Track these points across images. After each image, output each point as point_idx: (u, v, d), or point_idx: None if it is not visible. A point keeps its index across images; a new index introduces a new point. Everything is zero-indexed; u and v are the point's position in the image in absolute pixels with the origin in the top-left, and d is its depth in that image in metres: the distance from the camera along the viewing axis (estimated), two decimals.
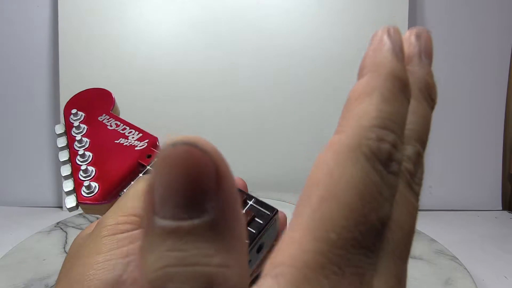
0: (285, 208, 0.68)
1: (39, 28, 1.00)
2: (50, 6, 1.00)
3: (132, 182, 0.28)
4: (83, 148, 0.32)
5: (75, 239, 0.24)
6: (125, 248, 0.21)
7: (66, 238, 0.71)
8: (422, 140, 0.15)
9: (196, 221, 0.11)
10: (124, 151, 0.31)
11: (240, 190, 0.26)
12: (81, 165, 0.31)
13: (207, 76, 0.99)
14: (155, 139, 0.32)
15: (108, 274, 0.20)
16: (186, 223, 0.11)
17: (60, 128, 0.35)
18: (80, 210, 0.30)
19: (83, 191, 0.29)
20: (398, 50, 0.14)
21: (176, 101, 0.99)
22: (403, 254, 0.13)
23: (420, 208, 0.14)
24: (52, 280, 0.55)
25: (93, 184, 0.29)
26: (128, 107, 0.98)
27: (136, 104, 0.97)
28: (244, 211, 0.25)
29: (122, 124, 0.34)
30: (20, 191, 1.04)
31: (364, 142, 0.12)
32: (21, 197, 1.03)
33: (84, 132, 0.34)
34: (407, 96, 0.14)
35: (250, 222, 0.25)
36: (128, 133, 0.33)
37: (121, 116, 0.36)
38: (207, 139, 0.11)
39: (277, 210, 0.26)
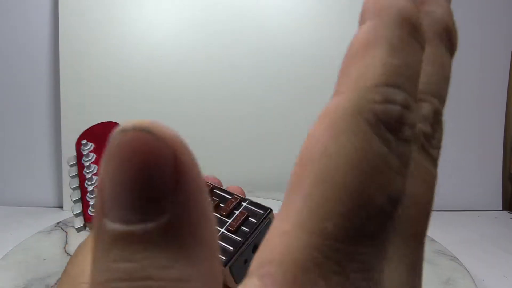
0: None
1: (40, 28, 1.00)
2: (50, 6, 1.00)
3: None
4: (91, 173, 0.35)
5: (81, 243, 0.24)
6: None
7: (67, 238, 0.71)
8: (440, 94, 0.12)
9: (149, 225, 0.09)
10: None
11: (233, 193, 0.27)
12: (88, 187, 0.34)
13: (207, 76, 0.99)
14: None
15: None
16: (137, 227, 0.09)
17: (72, 159, 0.38)
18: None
19: (90, 210, 0.32)
20: None
21: (176, 101, 0.99)
22: (419, 233, 0.11)
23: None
24: (52, 280, 0.55)
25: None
26: (128, 107, 0.98)
27: (136, 104, 0.97)
28: (238, 212, 0.25)
29: None
30: (21, 191, 1.04)
31: (367, 106, 0.10)
32: (21, 197, 1.03)
33: (93, 159, 0.37)
34: (420, 43, 0.11)
35: (244, 222, 0.25)
36: None
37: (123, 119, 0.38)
38: (169, 125, 0.09)
39: (271, 209, 0.26)
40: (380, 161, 0.10)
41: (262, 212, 0.26)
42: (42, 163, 1.03)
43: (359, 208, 0.09)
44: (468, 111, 1.05)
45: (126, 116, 0.38)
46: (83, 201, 0.34)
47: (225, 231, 0.24)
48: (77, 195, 0.35)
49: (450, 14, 0.13)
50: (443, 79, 0.13)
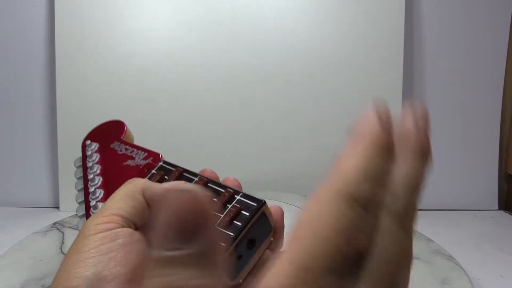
0: (285, 208, 0.68)
1: (35, 28, 1.00)
2: (46, 6, 1.00)
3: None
4: (94, 173, 0.35)
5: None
6: (106, 245, 0.22)
7: (63, 238, 0.70)
8: (413, 186, 0.17)
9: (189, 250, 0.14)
10: (129, 171, 0.34)
11: (227, 186, 0.27)
12: (90, 188, 0.34)
13: (205, 77, 0.99)
14: (158, 155, 0.35)
15: (86, 271, 0.21)
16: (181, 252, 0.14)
17: (78, 161, 0.38)
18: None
19: (91, 211, 0.32)
20: (383, 118, 0.17)
21: (174, 102, 0.99)
22: (390, 281, 0.15)
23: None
24: (48, 281, 0.55)
25: (100, 204, 0.32)
26: (125, 109, 0.98)
27: (133, 105, 0.97)
28: (230, 206, 0.26)
29: (130, 148, 0.36)
30: (17, 192, 1.03)
31: (343, 189, 0.15)
32: (17, 197, 1.03)
33: (96, 160, 0.37)
34: (390, 155, 0.17)
35: (237, 216, 0.25)
36: (135, 154, 0.35)
37: (129, 129, 0.40)
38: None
39: (265, 202, 0.26)
40: (350, 223, 0.14)
41: (255, 205, 0.26)
42: (38, 163, 1.03)
43: (333, 253, 0.14)
44: (464, 111, 1.06)
45: (123, 118, 0.37)
46: (86, 203, 0.34)
47: (217, 227, 0.24)
48: (81, 197, 0.35)
49: (425, 136, 0.18)
50: (415, 177, 0.17)
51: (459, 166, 1.06)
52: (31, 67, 1.01)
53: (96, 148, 0.38)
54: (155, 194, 0.26)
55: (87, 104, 0.97)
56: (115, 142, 0.38)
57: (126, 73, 0.97)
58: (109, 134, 0.39)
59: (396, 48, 0.99)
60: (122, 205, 0.24)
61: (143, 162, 0.34)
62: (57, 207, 1.02)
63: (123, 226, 0.24)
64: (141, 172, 0.33)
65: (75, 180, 0.37)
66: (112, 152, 0.37)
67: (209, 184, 0.28)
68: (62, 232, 0.73)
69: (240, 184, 0.30)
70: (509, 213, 1.04)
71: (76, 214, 0.34)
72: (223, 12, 0.99)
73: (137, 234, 0.24)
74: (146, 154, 0.35)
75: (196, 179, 0.29)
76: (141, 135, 0.46)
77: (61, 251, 0.65)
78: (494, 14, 1.03)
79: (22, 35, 1.00)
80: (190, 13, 0.98)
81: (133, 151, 0.36)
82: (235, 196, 0.27)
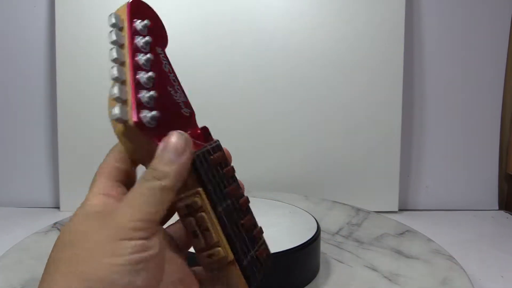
0: (285, 208, 0.68)
1: (36, 28, 1.00)
2: (47, 7, 1.00)
3: (137, 182, 0.24)
4: (149, 64, 0.25)
5: (66, 225, 0.23)
6: (138, 255, 0.21)
7: None
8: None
9: None
10: (176, 107, 0.27)
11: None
12: (144, 85, 0.24)
13: (204, 77, 0.99)
14: (196, 127, 0.30)
15: (124, 279, 0.20)
16: None
17: (114, 19, 0.26)
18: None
19: (143, 113, 0.23)
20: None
21: None
22: None
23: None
24: None
25: (155, 114, 0.24)
26: None
27: None
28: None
29: (172, 73, 0.28)
30: (18, 192, 1.03)
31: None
32: (18, 197, 1.03)
33: (150, 42, 0.26)
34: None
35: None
36: (177, 89, 0.28)
37: None
38: None
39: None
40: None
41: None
42: (38, 164, 1.03)
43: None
44: (465, 112, 1.06)
45: None
46: (133, 95, 0.23)
47: None
48: (123, 73, 0.24)
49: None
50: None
51: (459, 166, 1.06)
52: (32, 67, 1.01)
53: (146, 31, 0.27)
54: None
55: (87, 104, 0.97)
56: (161, 49, 0.28)
57: None
58: (158, 30, 0.29)
59: (396, 48, 0.99)
60: (155, 208, 0.22)
61: (186, 112, 0.28)
62: (58, 207, 1.02)
63: (154, 232, 0.22)
64: (193, 134, 0.28)
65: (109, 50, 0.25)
66: (158, 61, 0.27)
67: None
68: None
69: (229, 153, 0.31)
70: (509, 213, 1.04)
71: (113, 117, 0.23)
72: (223, 13, 0.99)
73: (162, 243, 0.23)
74: (186, 108, 0.29)
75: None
76: None
77: None
78: (494, 15, 1.03)
79: (23, 35, 1.00)
80: (190, 14, 0.98)
81: (175, 81, 0.28)
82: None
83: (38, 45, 1.01)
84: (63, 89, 0.97)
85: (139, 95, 0.23)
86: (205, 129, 0.30)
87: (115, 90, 0.23)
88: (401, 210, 1.02)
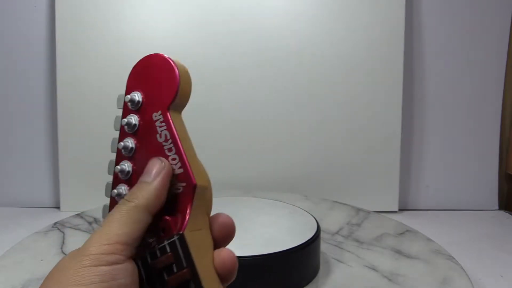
0: (285, 208, 0.68)
1: (36, 28, 1.00)
2: (47, 7, 1.00)
3: (116, 206, 0.24)
4: (127, 157, 0.26)
5: (63, 258, 0.23)
6: (106, 284, 0.20)
7: (64, 238, 0.70)
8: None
9: None
10: None
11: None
12: (121, 179, 0.26)
13: (204, 77, 0.99)
14: (193, 184, 0.24)
15: None
16: None
17: (120, 101, 0.28)
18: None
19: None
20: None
21: None
22: None
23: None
24: None
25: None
26: None
27: None
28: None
29: (170, 141, 0.25)
30: (18, 192, 1.03)
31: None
32: (18, 197, 1.03)
33: (136, 127, 0.26)
34: None
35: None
36: (172, 159, 0.25)
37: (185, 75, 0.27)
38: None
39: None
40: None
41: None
42: (39, 164, 1.03)
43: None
44: (465, 111, 1.06)
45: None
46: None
47: None
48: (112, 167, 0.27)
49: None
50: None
51: (459, 166, 1.06)
52: (32, 67, 1.01)
53: (139, 106, 0.26)
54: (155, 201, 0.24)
55: (87, 104, 0.97)
56: (159, 112, 0.26)
57: (127, 73, 0.97)
58: (158, 89, 0.27)
59: (396, 48, 0.99)
60: (125, 230, 0.22)
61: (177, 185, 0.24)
62: (58, 207, 1.02)
63: (126, 258, 0.22)
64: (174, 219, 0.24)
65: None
66: (152, 131, 0.25)
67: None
68: (63, 232, 0.73)
69: (233, 222, 0.27)
70: (509, 213, 1.04)
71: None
72: (223, 12, 0.99)
73: (135, 273, 0.22)
74: (181, 170, 0.25)
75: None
76: None
77: (62, 251, 0.65)
78: (494, 15, 1.03)
79: (24, 36, 1.00)
80: (190, 14, 0.98)
81: (171, 149, 0.25)
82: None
83: (38, 45, 1.01)
84: (63, 89, 0.97)
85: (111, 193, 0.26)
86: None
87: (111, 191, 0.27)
88: (401, 210, 1.03)
